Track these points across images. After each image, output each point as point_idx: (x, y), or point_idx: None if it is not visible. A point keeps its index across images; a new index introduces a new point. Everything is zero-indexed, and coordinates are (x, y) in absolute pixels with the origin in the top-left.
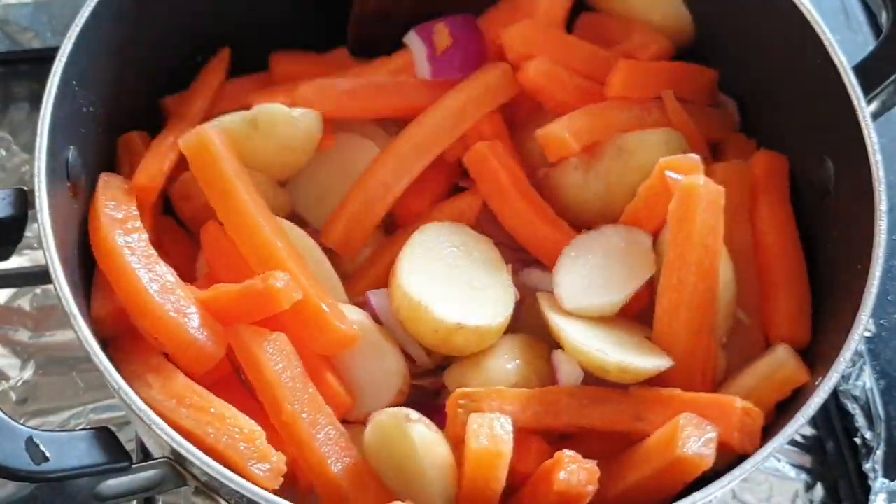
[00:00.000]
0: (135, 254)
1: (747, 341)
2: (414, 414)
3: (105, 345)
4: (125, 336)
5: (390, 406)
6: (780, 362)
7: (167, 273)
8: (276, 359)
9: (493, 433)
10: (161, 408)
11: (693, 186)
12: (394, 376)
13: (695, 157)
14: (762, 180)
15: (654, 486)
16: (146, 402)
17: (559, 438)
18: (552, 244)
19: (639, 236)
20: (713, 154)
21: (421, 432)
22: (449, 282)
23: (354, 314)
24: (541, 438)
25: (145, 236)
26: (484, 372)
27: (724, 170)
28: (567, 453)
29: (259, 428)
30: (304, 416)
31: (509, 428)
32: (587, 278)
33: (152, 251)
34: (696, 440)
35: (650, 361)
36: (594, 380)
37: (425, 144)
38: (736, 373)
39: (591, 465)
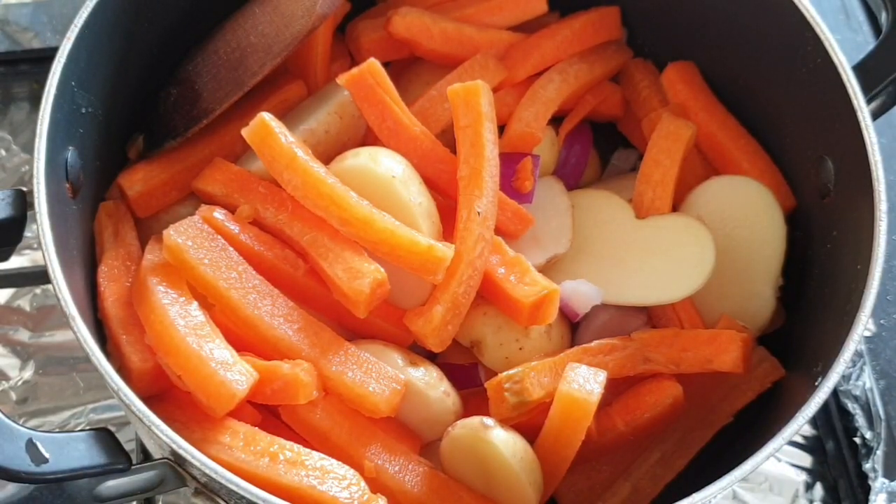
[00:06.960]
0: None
1: None
2: (487, 420)
3: (150, 404)
4: (171, 400)
5: (447, 425)
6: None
7: (195, 310)
8: (330, 419)
9: (585, 382)
10: (252, 468)
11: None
12: (447, 414)
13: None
14: (682, 89)
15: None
16: (230, 468)
17: None
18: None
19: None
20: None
21: (500, 436)
22: None
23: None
24: None
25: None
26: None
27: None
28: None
29: (354, 471)
30: (388, 467)
31: (602, 378)
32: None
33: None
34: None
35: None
36: None
37: None
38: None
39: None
